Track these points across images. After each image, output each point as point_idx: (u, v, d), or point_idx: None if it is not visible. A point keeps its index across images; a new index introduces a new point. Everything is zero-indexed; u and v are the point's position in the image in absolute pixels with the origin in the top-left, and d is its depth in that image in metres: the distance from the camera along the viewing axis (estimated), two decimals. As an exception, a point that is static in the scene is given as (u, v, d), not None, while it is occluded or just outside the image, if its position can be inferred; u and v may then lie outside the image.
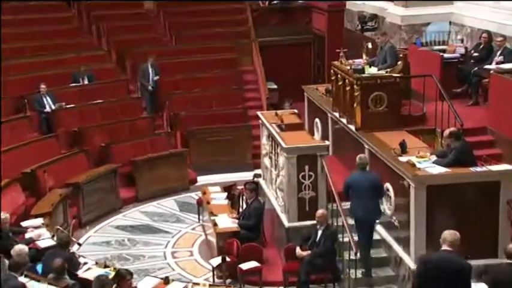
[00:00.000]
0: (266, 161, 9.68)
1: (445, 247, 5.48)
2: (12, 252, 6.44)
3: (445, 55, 10.55)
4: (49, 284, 6.28)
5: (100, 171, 11.03)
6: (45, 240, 7.96)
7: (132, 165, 11.65)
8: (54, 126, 12.07)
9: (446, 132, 7.63)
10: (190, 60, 14.52)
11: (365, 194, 7.55)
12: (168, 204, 11.37)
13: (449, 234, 5.46)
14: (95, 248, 9.63)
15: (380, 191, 7.68)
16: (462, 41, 11.36)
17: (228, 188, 10.26)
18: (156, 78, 13.39)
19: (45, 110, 12.19)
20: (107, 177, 11.04)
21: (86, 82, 13.29)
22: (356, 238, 7.59)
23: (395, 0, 12.47)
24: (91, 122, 12.28)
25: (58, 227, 8.25)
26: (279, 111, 9.48)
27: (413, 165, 7.42)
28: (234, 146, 12.74)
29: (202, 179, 12.29)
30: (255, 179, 10.15)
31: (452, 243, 5.42)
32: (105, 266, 7.25)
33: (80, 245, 8.52)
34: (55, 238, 7.78)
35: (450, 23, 11.85)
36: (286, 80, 14.85)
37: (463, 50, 10.73)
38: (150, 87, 13.27)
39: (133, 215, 10.98)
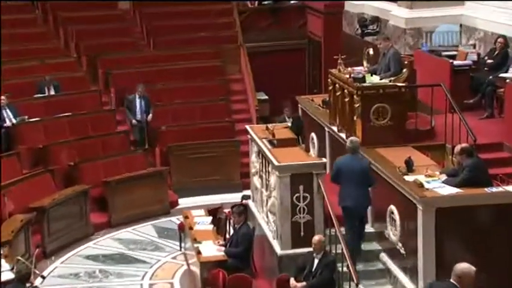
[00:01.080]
0: (256, 180, 9.66)
1: (451, 279, 5.55)
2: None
3: (456, 62, 10.61)
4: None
5: (68, 194, 10.96)
6: (4, 273, 7.86)
7: (104, 186, 11.58)
8: (16, 143, 11.99)
9: (458, 148, 7.65)
10: (171, 67, 14.54)
11: (355, 180, 7.91)
12: (145, 230, 11.30)
13: (458, 267, 5.52)
14: (61, 281, 9.53)
15: (370, 177, 8.02)
16: (474, 46, 11.43)
17: (214, 212, 10.21)
18: (149, 117, 12.88)
19: (5, 125, 12.11)
20: (75, 200, 10.97)
21: (52, 93, 13.24)
22: (344, 233, 7.84)
23: (398, 1, 12.55)
24: (58, 138, 12.22)
25: (19, 257, 8.14)
26: (270, 125, 9.47)
27: (421, 185, 7.42)
28: (220, 164, 12.73)
29: (184, 202, 12.26)
30: (244, 201, 10.12)
31: (459, 276, 5.45)
32: (73, 302, 7.15)
33: (43, 278, 8.41)
34: (15, 270, 7.67)
35: (461, 26, 11.94)
36: (278, 90, 14.89)
37: (475, 57, 10.79)
38: (134, 121, 12.93)
39: (106, 242, 10.89)
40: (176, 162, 12.74)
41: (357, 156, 8.12)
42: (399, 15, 12.42)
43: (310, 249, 7.80)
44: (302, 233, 8.24)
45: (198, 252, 8.76)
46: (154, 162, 12.86)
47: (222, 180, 12.68)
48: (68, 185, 11.39)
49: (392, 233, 7.91)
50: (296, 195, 8.23)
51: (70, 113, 12.81)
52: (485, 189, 7.30)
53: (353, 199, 7.96)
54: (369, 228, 8.52)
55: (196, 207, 11.00)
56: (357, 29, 13.68)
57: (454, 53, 11.07)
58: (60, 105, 12.92)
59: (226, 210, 10.01)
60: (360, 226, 8.09)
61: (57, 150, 11.97)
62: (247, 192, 10.49)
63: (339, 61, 9.56)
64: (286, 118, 9.73)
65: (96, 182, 11.53)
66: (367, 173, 8.01)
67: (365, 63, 9.71)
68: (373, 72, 9.31)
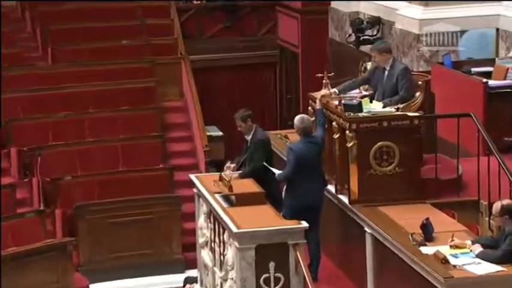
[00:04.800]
0: (205, 255, 9.63)
1: None
2: None
3: (491, 82, 10.78)
4: None
5: None
6: None
7: (-21, 266, 11.38)
8: None
9: (497, 206, 7.73)
10: (79, 90, 14.51)
11: (315, 169, 9.02)
12: (39, 332, 11.13)
13: None
14: None
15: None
16: (517, 59, 11.65)
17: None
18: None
19: None
20: None
21: None
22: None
23: (409, -3, 12.73)
24: None
25: None
26: (226, 173, 9.49)
27: (445, 260, 7.48)
28: (152, 231, 12.66)
29: (98, 288, 12.16)
30: (188, 287, 10.04)
31: None
32: None
33: None
34: None
35: (497, 30, 12.19)
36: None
37: (519, 74, 11.01)
38: None
39: None
40: (87, 230, 12.62)
41: (312, 137, 9.09)
42: (410, 15, 12.58)
43: None
44: (273, 333, 8.23)
45: None
46: (53, 230, 12.70)
47: (156, 255, 12.58)
48: None
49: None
50: (264, 276, 8.21)
51: None
52: (538, 265, 7.39)
53: (319, 194, 9.04)
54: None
55: (116, 296, 10.91)
56: (350, 35, 13.85)
57: (489, 69, 11.25)
58: None
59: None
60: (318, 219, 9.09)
61: None
62: (193, 273, 10.40)
63: (324, 81, 9.66)
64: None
65: (-33, 261, 11.33)
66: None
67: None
68: (372, 97, 9.43)
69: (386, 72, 9.46)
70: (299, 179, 8.90)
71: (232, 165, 9.57)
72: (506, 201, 7.79)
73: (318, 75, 9.78)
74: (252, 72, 16.54)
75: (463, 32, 12.21)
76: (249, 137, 9.64)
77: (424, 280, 7.54)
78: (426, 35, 12.27)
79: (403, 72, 9.37)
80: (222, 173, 9.42)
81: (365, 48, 13.30)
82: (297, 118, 9.19)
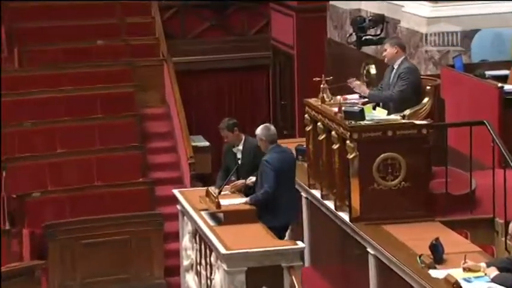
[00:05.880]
0: (190, 279, 9.63)
1: None
2: None
3: (507, 87, 10.82)
4: None
5: None
6: None
7: None
8: None
9: (514, 224, 7.78)
10: (50, 96, 14.51)
11: (291, 180, 9.30)
12: None
13: None
14: None
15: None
16: (536, 61, 11.70)
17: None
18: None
19: None
20: None
21: None
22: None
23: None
24: None
25: None
26: (212, 188, 9.48)
27: (457, 284, 7.48)
28: (130, 253, 12.66)
29: (70, 317, 12.16)
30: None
31: None
32: None
33: None
34: None
35: (514, 29, 12.24)
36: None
37: (538, 79, 11.05)
38: None
39: None
40: (58, 252, 12.62)
41: (280, 147, 9.35)
42: (417, 13, 12.63)
43: None
44: None
45: None
46: (20, 252, 12.69)
47: (135, 280, 12.59)
48: None
49: None
50: (256, 302, 8.23)
51: None
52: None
53: (296, 208, 9.51)
54: None
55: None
56: (350, 35, 13.88)
57: (505, 72, 11.30)
58: None
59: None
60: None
61: None
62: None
63: (322, 85, 9.68)
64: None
65: None
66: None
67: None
68: (376, 104, 9.44)
69: (393, 72, 9.48)
70: (278, 194, 9.01)
71: (240, 182, 9.54)
72: (524, 219, 7.82)
73: (315, 79, 9.79)
74: (242, 76, 16.55)
75: (475, 32, 12.25)
76: (238, 148, 9.64)
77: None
78: (435, 34, 12.30)
79: (405, 70, 9.34)
80: (209, 188, 9.41)
81: (367, 49, 13.34)
82: (263, 127, 9.30)
